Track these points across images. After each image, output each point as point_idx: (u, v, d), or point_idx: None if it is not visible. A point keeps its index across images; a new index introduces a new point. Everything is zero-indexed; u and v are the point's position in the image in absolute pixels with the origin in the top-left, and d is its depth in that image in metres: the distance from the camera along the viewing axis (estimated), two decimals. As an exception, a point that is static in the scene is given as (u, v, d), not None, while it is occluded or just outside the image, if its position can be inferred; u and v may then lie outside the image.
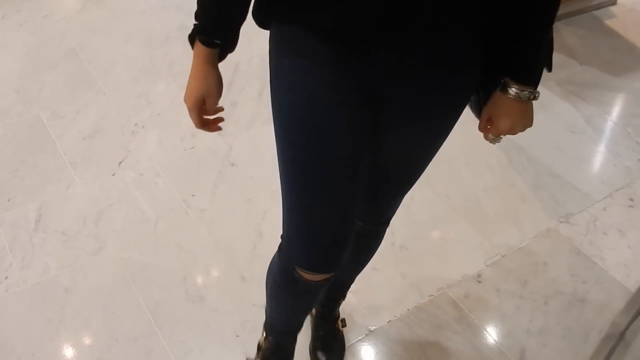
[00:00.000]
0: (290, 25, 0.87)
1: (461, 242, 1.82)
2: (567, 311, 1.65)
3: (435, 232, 1.86)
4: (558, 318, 1.63)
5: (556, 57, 2.97)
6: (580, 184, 2.05)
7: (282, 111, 0.91)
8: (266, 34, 0.95)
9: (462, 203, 1.94)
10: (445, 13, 0.81)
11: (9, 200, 1.84)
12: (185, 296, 1.61)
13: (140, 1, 2.84)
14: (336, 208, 0.95)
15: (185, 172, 1.98)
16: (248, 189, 1.92)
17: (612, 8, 3.07)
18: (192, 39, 0.91)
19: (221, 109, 0.99)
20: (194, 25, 0.89)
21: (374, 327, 1.57)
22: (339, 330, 1.50)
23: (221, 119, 0.99)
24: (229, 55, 0.95)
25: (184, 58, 2.45)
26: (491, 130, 0.95)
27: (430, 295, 1.66)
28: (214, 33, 0.89)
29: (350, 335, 1.54)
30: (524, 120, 0.92)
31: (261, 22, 0.91)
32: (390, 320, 1.59)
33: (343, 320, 1.51)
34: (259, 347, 1.37)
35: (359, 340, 1.54)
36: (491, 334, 1.58)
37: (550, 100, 2.40)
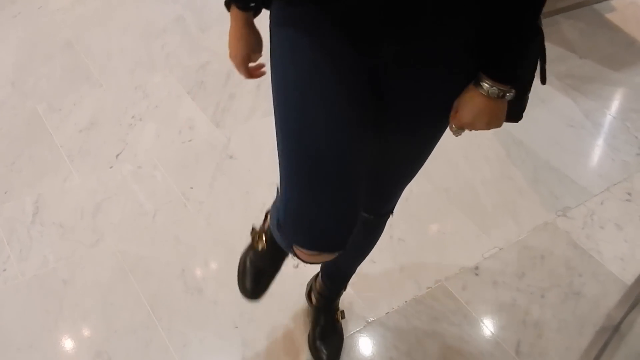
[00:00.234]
0: (294, 6, 0.88)
1: (459, 234, 1.83)
2: (563, 304, 1.66)
3: (433, 224, 1.87)
4: (554, 310, 1.64)
5: (555, 50, 2.97)
6: (578, 177, 2.06)
7: (281, 82, 0.92)
8: (264, 24, 0.96)
9: (460, 196, 1.95)
10: (446, 13, 0.81)
11: (5, 193, 1.84)
12: (184, 288, 1.61)
13: (137, -8, 2.82)
14: (336, 184, 0.92)
15: (183, 164, 1.97)
16: (246, 182, 1.92)
17: (612, 1, 3.06)
18: (228, 4, 0.97)
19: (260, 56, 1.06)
20: None
21: (372, 319, 1.58)
22: (338, 321, 1.51)
23: (262, 65, 1.06)
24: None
25: (181, 50, 2.44)
26: (454, 120, 0.93)
27: (427, 288, 1.66)
28: None
29: (348, 326, 1.54)
30: (489, 117, 0.89)
31: (263, 1, 0.95)
32: (388, 312, 1.59)
33: (342, 312, 1.52)
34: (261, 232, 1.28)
35: (357, 331, 1.55)
36: (488, 326, 1.59)
37: (549, 94, 2.40)
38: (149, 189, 1.88)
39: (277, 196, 1.11)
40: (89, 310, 1.55)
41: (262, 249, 1.26)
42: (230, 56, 1.04)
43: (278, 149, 0.95)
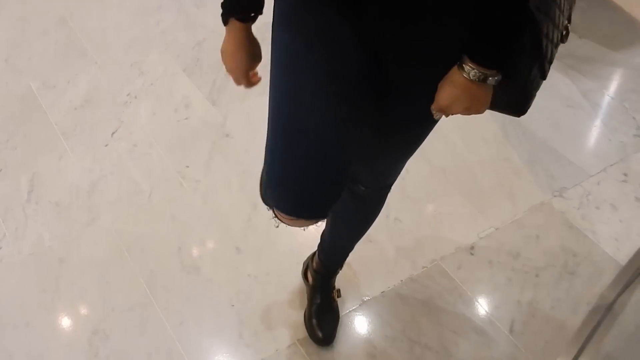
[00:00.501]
0: None
1: (455, 214, 1.83)
2: (557, 283, 1.67)
3: (430, 204, 1.87)
4: (548, 290, 1.66)
5: (554, 29, 2.86)
6: (575, 158, 2.06)
7: (276, 53, 0.94)
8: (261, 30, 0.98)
9: (457, 176, 1.95)
10: (446, 13, 0.81)
11: (0, 170, 1.82)
12: (180, 267, 1.62)
13: (131, -32, 2.77)
14: (315, 154, 0.95)
15: (179, 143, 1.96)
16: (243, 161, 1.91)
17: (613, -20, 3.02)
18: (225, 18, 0.95)
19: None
20: (224, 6, 0.94)
21: (367, 298, 1.59)
22: (334, 300, 1.52)
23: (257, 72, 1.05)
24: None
25: (176, 27, 2.41)
26: (434, 102, 0.91)
27: (423, 267, 1.67)
28: (247, 7, 0.93)
29: (344, 304, 1.56)
30: (469, 102, 0.87)
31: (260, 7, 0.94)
32: (383, 291, 1.61)
33: (338, 291, 1.53)
34: None
35: (353, 310, 1.56)
36: (482, 305, 1.60)
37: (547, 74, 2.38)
38: (144, 168, 1.87)
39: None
40: (85, 288, 1.55)
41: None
42: (229, 70, 1.01)
43: (268, 116, 0.98)
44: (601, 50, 2.56)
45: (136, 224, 1.71)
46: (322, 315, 1.48)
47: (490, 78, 0.84)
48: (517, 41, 0.84)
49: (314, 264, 1.48)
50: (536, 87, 0.91)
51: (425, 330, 1.53)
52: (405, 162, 1.15)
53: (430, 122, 1.02)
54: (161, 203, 1.77)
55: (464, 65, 0.84)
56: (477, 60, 0.83)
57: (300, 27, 0.90)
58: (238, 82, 1.03)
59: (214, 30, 2.37)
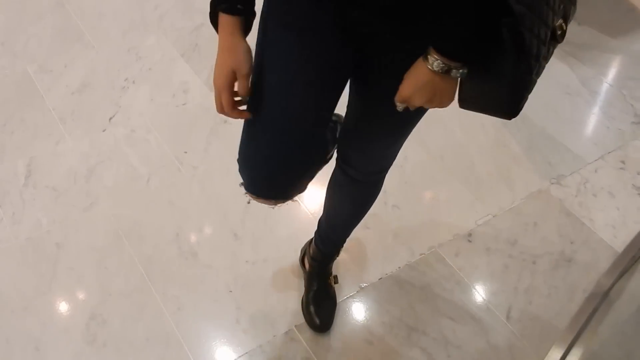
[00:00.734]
0: None
1: (453, 201, 1.83)
2: (554, 270, 1.68)
3: (428, 191, 1.87)
4: (545, 277, 1.66)
5: (555, 16, 2.85)
6: (573, 145, 2.06)
7: (262, 35, 0.95)
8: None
9: (455, 163, 1.95)
10: (446, 13, 0.79)
11: (-3, 155, 1.82)
12: (178, 252, 1.62)
13: (128, -49, 2.73)
14: (279, 136, 1.00)
15: (177, 128, 1.95)
16: (240, 147, 1.91)
17: (613, -33, 3.00)
18: (213, 16, 0.90)
19: (250, 94, 0.96)
20: (211, 3, 0.89)
21: (365, 284, 1.59)
22: (331, 286, 1.52)
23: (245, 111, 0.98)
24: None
25: (174, 11, 2.39)
26: (397, 93, 0.89)
27: (421, 254, 1.68)
28: None
29: (342, 291, 1.56)
30: (429, 94, 0.85)
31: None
32: (381, 278, 1.61)
33: (335, 277, 1.53)
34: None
35: (350, 296, 1.57)
36: (479, 292, 1.61)
37: (546, 60, 2.37)
38: (142, 153, 1.86)
39: None
40: (83, 273, 1.55)
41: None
42: (213, 80, 0.92)
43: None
44: (600, 37, 2.55)
45: (134, 209, 1.71)
46: (319, 301, 1.49)
47: (454, 70, 0.82)
48: (488, 34, 0.79)
49: (311, 250, 1.49)
50: (527, 87, 0.85)
51: (423, 316, 1.54)
52: (397, 148, 1.13)
53: (416, 110, 1.01)
54: (159, 189, 1.77)
55: (428, 56, 0.82)
56: (440, 51, 0.81)
57: (281, 15, 0.91)
58: (219, 93, 0.92)
59: (211, 14, 2.35)
